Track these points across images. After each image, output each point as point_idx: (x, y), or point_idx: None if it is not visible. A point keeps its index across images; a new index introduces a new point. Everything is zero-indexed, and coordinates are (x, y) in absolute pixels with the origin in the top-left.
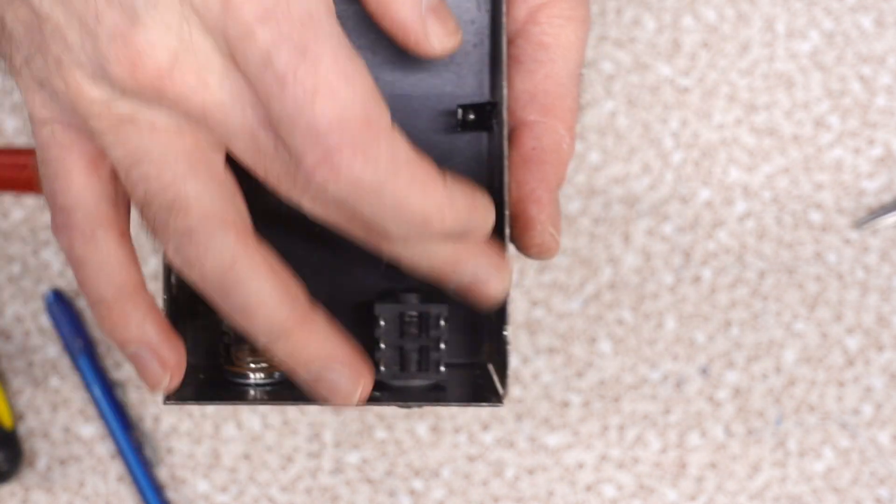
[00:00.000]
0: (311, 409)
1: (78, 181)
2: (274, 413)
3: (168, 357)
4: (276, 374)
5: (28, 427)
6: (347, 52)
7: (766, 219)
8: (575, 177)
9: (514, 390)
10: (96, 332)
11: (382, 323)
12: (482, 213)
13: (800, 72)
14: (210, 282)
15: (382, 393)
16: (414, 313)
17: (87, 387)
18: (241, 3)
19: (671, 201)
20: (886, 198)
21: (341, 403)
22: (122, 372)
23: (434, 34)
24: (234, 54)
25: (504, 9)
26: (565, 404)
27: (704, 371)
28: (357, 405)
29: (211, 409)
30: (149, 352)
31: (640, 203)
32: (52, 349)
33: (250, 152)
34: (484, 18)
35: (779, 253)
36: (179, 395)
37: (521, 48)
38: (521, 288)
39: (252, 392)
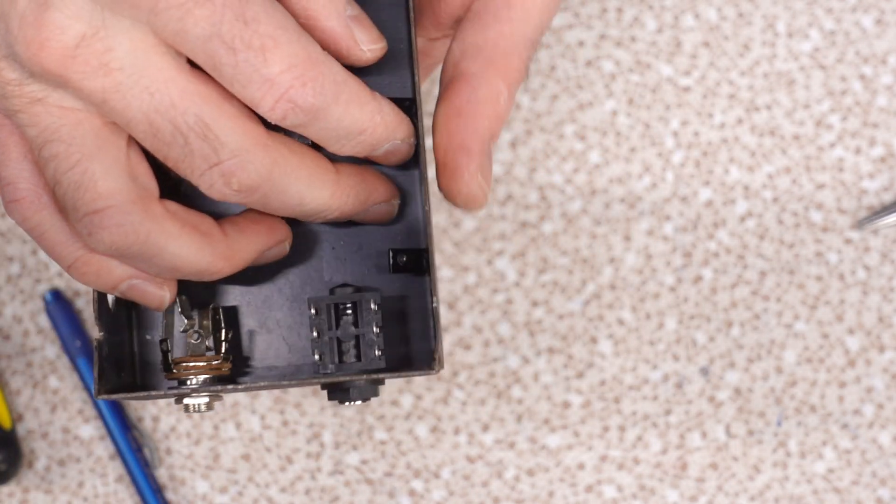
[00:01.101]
0: (311, 410)
1: (16, 154)
2: (273, 414)
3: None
4: (214, 378)
5: (27, 427)
6: (274, 6)
7: (767, 219)
8: (575, 177)
9: (514, 391)
10: (95, 332)
11: (313, 312)
12: (406, 125)
13: (801, 71)
14: (128, 257)
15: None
16: (348, 303)
17: (86, 387)
18: None
19: (672, 201)
20: (887, 198)
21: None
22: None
23: (363, 41)
24: (165, 35)
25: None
26: (566, 405)
27: (705, 371)
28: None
29: (210, 410)
30: (140, 278)
31: (641, 203)
32: (51, 349)
33: (149, 138)
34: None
35: (780, 253)
36: (109, 390)
37: (484, 2)
38: (522, 288)
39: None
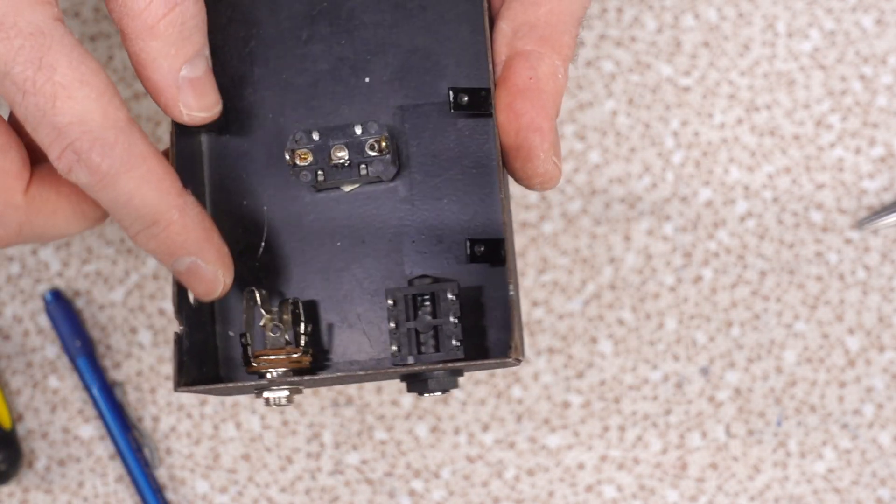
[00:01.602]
0: (311, 410)
1: None
2: (273, 414)
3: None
4: (291, 372)
5: (27, 427)
6: (81, 57)
7: (767, 219)
8: (575, 176)
9: (514, 391)
10: (95, 332)
11: (391, 303)
12: (214, 248)
13: (801, 71)
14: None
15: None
16: (426, 294)
17: (86, 387)
18: None
19: (672, 201)
20: (887, 197)
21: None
22: (121, 372)
23: (186, 104)
24: None
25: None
26: (566, 405)
27: (705, 371)
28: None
29: (210, 410)
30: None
31: (641, 203)
32: (51, 349)
33: None
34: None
35: (780, 253)
36: (189, 382)
37: None
38: (522, 288)
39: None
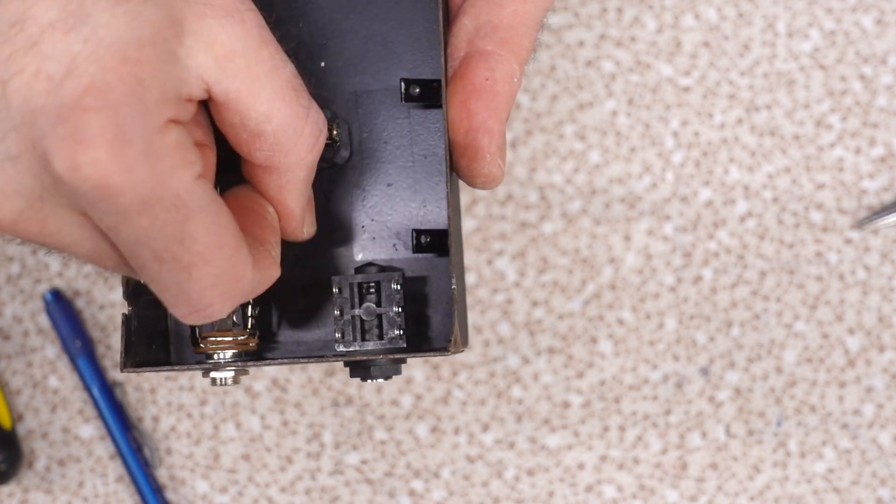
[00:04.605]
0: (311, 410)
1: None
2: (273, 414)
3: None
4: (243, 355)
5: (27, 427)
6: (218, 218)
7: (767, 219)
8: (575, 176)
9: (514, 391)
10: (95, 332)
11: (336, 290)
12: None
13: (801, 71)
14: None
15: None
16: (371, 283)
17: (86, 387)
18: (120, 190)
19: (672, 201)
20: (887, 198)
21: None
22: (121, 372)
23: (308, 224)
24: (97, 222)
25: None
26: (566, 405)
27: (705, 371)
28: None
29: (210, 410)
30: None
31: (641, 203)
32: (51, 349)
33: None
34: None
35: (780, 253)
36: (137, 363)
37: None
38: (522, 288)
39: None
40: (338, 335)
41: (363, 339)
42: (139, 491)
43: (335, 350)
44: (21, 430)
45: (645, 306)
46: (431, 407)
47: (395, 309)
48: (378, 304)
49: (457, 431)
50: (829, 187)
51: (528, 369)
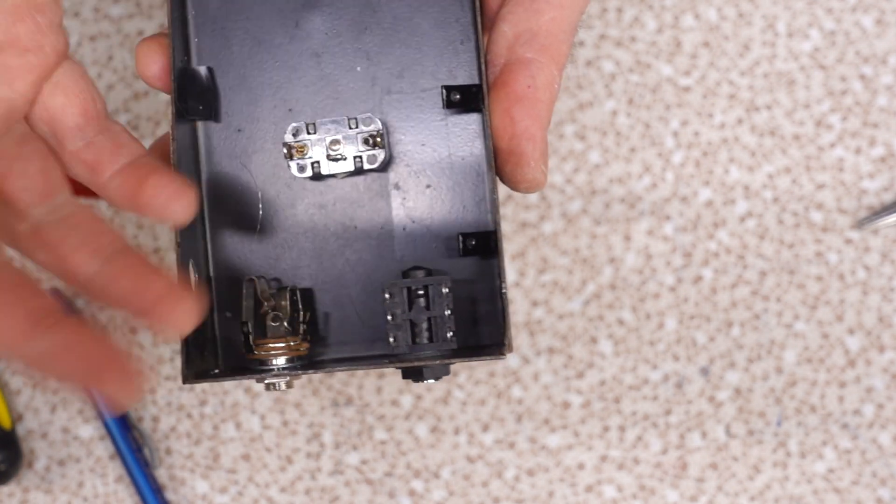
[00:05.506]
0: (311, 410)
1: None
2: (273, 414)
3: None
4: (296, 360)
5: (27, 427)
6: None
7: (767, 219)
8: (575, 176)
9: (514, 391)
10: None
11: (388, 295)
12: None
13: (801, 71)
14: None
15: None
16: (420, 286)
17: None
18: None
19: (672, 201)
20: (887, 197)
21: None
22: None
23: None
24: None
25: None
26: (566, 405)
27: (705, 371)
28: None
29: (210, 410)
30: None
31: (641, 203)
32: None
33: None
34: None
35: (780, 253)
36: (198, 374)
37: None
38: (522, 288)
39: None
40: (391, 340)
41: (414, 343)
42: (139, 491)
43: (389, 352)
44: (21, 430)
45: (645, 306)
46: (431, 407)
47: (447, 312)
48: (427, 307)
49: (457, 431)
50: (830, 187)
51: (528, 369)
